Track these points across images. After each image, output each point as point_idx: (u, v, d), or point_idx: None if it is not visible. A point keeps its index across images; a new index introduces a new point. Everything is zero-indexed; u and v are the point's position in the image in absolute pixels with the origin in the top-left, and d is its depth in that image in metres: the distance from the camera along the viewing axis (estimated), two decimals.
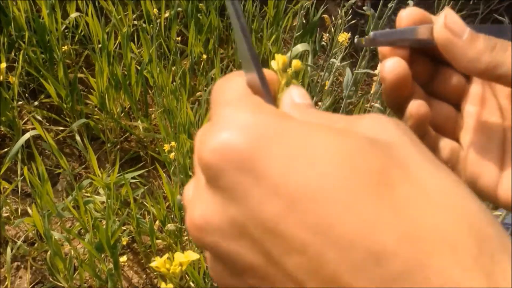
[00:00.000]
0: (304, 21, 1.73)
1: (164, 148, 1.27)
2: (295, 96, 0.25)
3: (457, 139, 0.34)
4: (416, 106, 0.32)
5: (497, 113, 0.33)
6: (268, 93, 0.23)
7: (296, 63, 0.28)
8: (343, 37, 1.31)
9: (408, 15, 0.32)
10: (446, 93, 0.34)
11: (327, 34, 1.38)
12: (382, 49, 0.32)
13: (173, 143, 1.19)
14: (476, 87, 0.33)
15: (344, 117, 0.22)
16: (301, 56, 1.63)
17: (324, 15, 1.64)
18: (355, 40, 0.32)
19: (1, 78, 1.08)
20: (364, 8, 1.21)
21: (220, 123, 0.20)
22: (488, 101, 0.33)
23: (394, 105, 0.33)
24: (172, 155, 1.22)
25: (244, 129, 0.19)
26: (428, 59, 0.34)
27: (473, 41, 0.29)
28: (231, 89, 0.23)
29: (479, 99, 0.33)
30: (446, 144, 0.34)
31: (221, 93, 0.23)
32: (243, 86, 0.23)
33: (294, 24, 1.78)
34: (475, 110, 0.33)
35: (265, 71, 0.25)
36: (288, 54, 1.57)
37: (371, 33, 0.31)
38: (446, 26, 0.30)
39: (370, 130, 0.20)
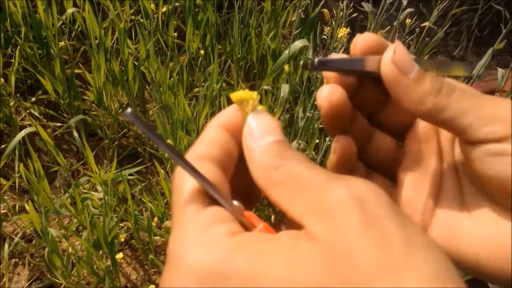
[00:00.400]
0: (303, 16, 1.72)
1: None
2: (256, 132, 0.25)
3: (393, 175, 0.33)
4: (340, 143, 0.31)
5: (437, 154, 0.32)
6: (216, 192, 0.23)
7: (260, 107, 0.27)
8: (342, 31, 1.30)
9: (362, 42, 0.30)
10: (392, 126, 0.33)
11: (328, 28, 1.37)
12: (326, 74, 0.31)
13: (169, 141, 1.18)
14: (422, 124, 0.32)
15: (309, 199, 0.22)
16: (301, 51, 1.62)
17: (323, 9, 1.63)
18: (301, 62, 0.30)
19: None
20: (363, 4, 1.20)
21: (172, 264, 0.21)
22: (430, 141, 0.32)
23: (332, 133, 0.32)
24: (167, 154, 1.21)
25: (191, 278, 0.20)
26: (378, 89, 0.32)
27: (419, 81, 0.28)
28: (181, 208, 0.23)
29: (422, 137, 0.32)
30: (377, 182, 0.32)
31: (175, 205, 0.24)
32: (189, 198, 0.23)
33: (293, 19, 1.77)
34: (416, 147, 0.32)
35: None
36: (286, 51, 1.56)
37: (315, 59, 0.29)
38: (394, 62, 0.28)
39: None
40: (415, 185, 0.31)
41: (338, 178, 0.22)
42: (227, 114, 0.27)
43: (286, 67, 1.48)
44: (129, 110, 0.20)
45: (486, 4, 1.70)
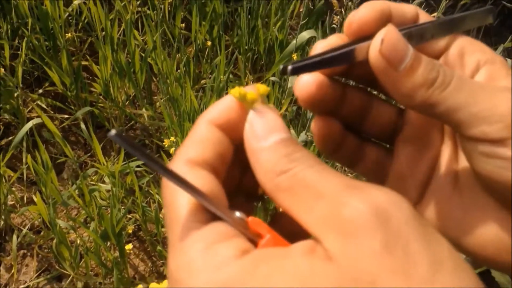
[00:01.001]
0: (311, 7, 1.71)
1: (164, 143, 1.25)
2: (258, 131, 0.23)
3: (389, 142, 0.32)
4: (317, 125, 0.30)
5: (439, 126, 0.30)
6: (214, 205, 0.21)
7: (262, 89, 0.24)
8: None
9: (358, 23, 0.27)
10: (381, 126, 0.31)
11: (338, 17, 1.36)
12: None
13: (172, 138, 1.17)
14: (412, 123, 0.30)
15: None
16: (308, 42, 1.61)
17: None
18: (280, 67, 0.27)
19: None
20: None
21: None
22: (422, 139, 0.30)
23: (315, 114, 0.30)
24: (172, 150, 1.20)
25: None
26: (362, 91, 0.30)
27: (410, 73, 0.25)
28: (177, 223, 0.21)
29: (413, 136, 0.30)
30: (369, 155, 0.32)
31: (169, 221, 0.22)
32: (187, 216, 0.21)
33: (301, 10, 1.76)
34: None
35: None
36: (294, 41, 1.55)
37: (289, 67, 0.25)
38: (381, 53, 0.25)
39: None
40: (411, 158, 0.30)
41: (355, 188, 0.20)
42: (221, 108, 0.24)
43: (294, 56, 1.47)
44: (113, 131, 0.19)
45: None
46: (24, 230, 1.33)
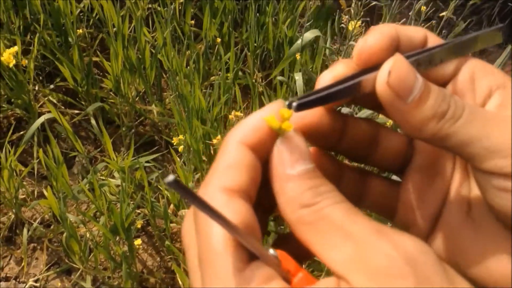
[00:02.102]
0: (319, 4, 1.71)
1: (173, 141, 1.25)
2: (286, 163, 0.22)
3: (398, 172, 0.31)
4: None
5: (450, 154, 0.29)
6: (251, 243, 0.21)
7: (285, 113, 0.23)
8: (352, 25, 1.29)
9: (368, 52, 0.26)
10: (389, 158, 0.30)
11: (347, 16, 1.36)
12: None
13: (180, 136, 1.17)
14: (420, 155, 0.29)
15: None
16: (315, 41, 1.61)
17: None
18: (286, 102, 0.25)
19: (14, 61, 1.08)
20: None
21: None
22: (432, 168, 0.29)
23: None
24: (181, 148, 1.20)
25: None
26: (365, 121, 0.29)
27: (419, 105, 0.24)
28: (214, 262, 0.21)
29: (423, 167, 0.29)
30: (373, 185, 0.30)
31: (203, 258, 0.21)
32: (223, 252, 0.21)
33: (310, 7, 1.76)
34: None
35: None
36: (299, 41, 1.55)
37: (294, 103, 0.24)
38: (389, 85, 0.24)
39: None
40: (422, 189, 0.29)
41: (384, 233, 0.20)
42: (251, 128, 0.23)
43: (298, 56, 1.47)
44: (170, 178, 0.18)
45: None
46: (35, 224, 1.34)
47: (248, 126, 0.24)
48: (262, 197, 0.25)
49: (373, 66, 0.26)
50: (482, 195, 0.26)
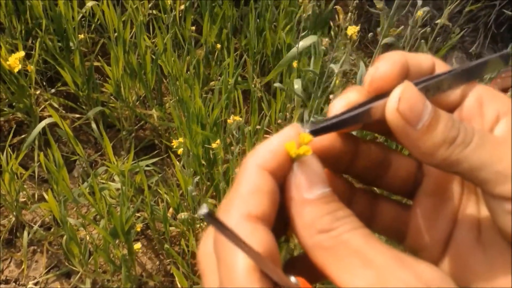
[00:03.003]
0: (318, 12, 1.72)
1: (172, 144, 1.26)
2: (303, 187, 0.22)
3: (407, 195, 0.30)
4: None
5: (459, 178, 0.29)
6: (273, 271, 0.21)
7: (304, 137, 0.24)
8: (352, 30, 1.30)
9: (379, 80, 0.26)
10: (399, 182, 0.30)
11: (340, 22, 1.37)
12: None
13: (180, 139, 1.18)
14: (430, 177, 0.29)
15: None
16: (314, 47, 1.63)
17: (336, 6, 1.63)
18: (303, 125, 0.26)
19: (20, 66, 1.10)
20: (374, 1, 1.20)
21: None
22: (442, 192, 0.29)
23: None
24: (180, 150, 1.21)
25: None
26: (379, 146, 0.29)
27: (429, 131, 0.24)
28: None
29: (433, 189, 0.29)
30: (382, 209, 0.30)
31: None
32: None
33: (309, 14, 1.77)
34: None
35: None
36: (294, 49, 1.56)
37: (307, 130, 0.25)
38: (399, 112, 0.24)
39: None
40: (431, 213, 0.29)
41: (405, 262, 0.21)
42: (270, 152, 0.24)
43: (295, 64, 1.48)
44: (204, 210, 0.18)
45: (503, 1, 1.68)
46: (35, 227, 1.35)
47: (268, 151, 0.24)
48: (275, 220, 0.25)
49: (385, 93, 0.26)
50: (493, 219, 0.26)
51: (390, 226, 0.31)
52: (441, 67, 0.28)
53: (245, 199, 0.22)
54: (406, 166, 0.30)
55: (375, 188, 0.32)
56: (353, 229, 0.22)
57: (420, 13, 1.30)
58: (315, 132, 0.25)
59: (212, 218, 0.19)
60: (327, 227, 0.22)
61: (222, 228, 0.19)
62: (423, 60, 0.28)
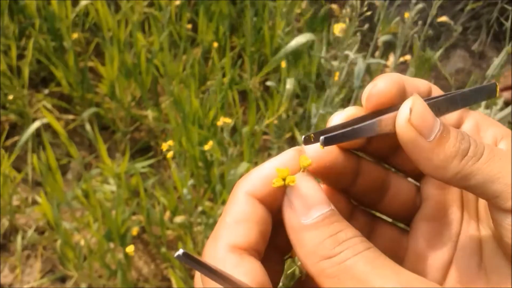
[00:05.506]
0: (315, 10, 1.70)
1: (162, 147, 1.19)
2: (300, 212, 0.22)
3: (406, 220, 0.30)
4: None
5: (458, 202, 0.29)
6: None
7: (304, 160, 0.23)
8: (337, 28, 1.27)
9: (377, 98, 0.26)
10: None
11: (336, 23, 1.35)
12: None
13: (169, 142, 1.12)
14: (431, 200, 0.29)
15: None
16: (311, 46, 1.60)
17: (332, 5, 1.60)
18: (302, 137, 0.26)
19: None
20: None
21: None
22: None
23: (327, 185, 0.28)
24: (170, 154, 1.13)
25: None
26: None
27: (442, 143, 0.24)
28: None
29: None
30: (383, 234, 0.30)
31: None
32: None
33: (299, 12, 1.75)
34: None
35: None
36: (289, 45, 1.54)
37: (321, 138, 0.24)
38: (411, 123, 0.24)
39: None
40: (431, 237, 0.28)
41: (409, 284, 0.20)
42: (260, 179, 0.23)
43: (283, 64, 1.46)
44: (180, 251, 0.19)
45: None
46: (29, 231, 1.33)
47: (258, 177, 0.23)
48: (278, 238, 0.24)
49: (385, 110, 0.26)
50: (500, 235, 0.25)
51: (388, 249, 0.29)
52: (437, 92, 0.28)
53: (231, 229, 0.22)
54: (406, 189, 0.30)
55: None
56: (357, 253, 0.21)
57: (406, 15, 1.27)
58: (328, 141, 0.25)
59: (187, 259, 0.19)
60: (330, 253, 0.21)
61: (199, 267, 0.19)
62: (420, 84, 0.28)
